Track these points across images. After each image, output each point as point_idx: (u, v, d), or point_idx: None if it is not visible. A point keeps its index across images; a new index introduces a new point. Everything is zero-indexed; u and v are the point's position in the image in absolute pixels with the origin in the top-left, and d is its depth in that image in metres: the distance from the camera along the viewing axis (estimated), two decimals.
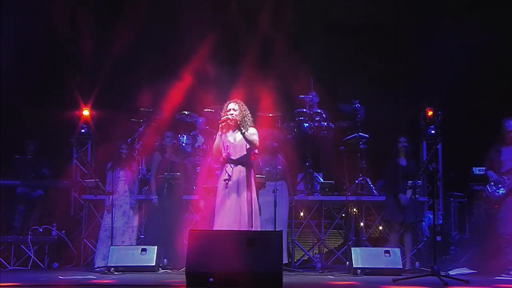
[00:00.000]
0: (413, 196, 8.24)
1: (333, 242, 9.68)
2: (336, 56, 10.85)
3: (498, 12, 9.97)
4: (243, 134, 7.05)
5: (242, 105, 7.20)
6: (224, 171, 7.11)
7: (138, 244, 8.80)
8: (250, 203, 7.04)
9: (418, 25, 10.69)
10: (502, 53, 9.93)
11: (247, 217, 6.97)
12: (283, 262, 7.95)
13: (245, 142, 7.09)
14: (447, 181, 9.70)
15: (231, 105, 7.20)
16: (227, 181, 7.03)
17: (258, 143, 7.18)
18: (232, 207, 6.97)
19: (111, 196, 8.58)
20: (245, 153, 7.13)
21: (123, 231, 8.69)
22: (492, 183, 8.04)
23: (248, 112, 7.23)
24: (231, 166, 7.09)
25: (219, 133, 7.16)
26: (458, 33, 9.88)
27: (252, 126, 7.19)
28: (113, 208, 8.50)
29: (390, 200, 8.52)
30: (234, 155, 7.12)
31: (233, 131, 7.19)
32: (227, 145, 7.12)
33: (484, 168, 8.75)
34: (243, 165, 7.11)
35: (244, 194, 7.01)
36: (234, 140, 7.15)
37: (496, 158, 8.11)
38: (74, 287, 6.84)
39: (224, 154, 7.13)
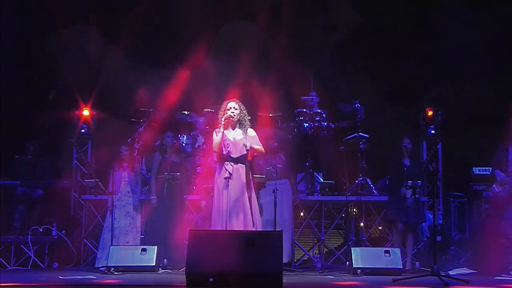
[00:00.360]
0: (413, 196, 8.22)
1: (333, 242, 9.68)
2: (336, 56, 10.85)
3: (498, 12, 9.97)
4: (252, 148, 7.07)
5: (241, 105, 7.30)
6: (223, 169, 7.13)
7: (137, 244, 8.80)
8: (250, 200, 7.08)
9: (418, 25, 10.69)
10: (502, 53, 9.93)
11: (249, 215, 7.00)
12: (285, 262, 8.02)
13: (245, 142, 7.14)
14: (447, 181, 9.69)
15: (232, 104, 7.25)
16: (227, 179, 7.05)
17: (263, 150, 7.21)
18: (234, 205, 6.99)
19: (112, 197, 8.59)
20: (245, 152, 7.16)
21: (126, 232, 8.68)
22: (498, 183, 8.03)
23: (246, 112, 7.31)
24: (231, 164, 7.11)
25: (220, 130, 7.15)
26: (458, 32, 9.89)
27: (250, 127, 7.25)
28: (114, 209, 8.51)
29: (393, 200, 8.49)
30: (234, 153, 7.14)
31: (233, 129, 7.22)
32: (227, 143, 7.15)
33: (484, 168, 8.76)
34: (242, 163, 7.15)
35: (245, 192, 7.06)
36: (234, 138, 7.18)
37: (504, 157, 8.09)
38: (74, 287, 6.83)
39: (224, 152, 7.15)
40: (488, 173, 8.83)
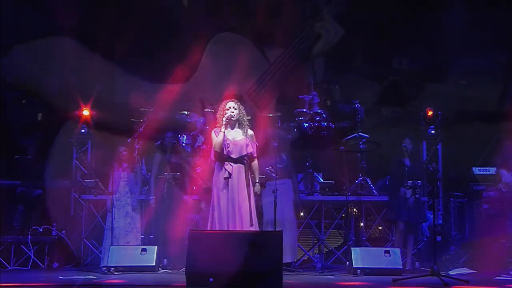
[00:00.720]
0: (413, 196, 8.21)
1: (333, 242, 9.67)
2: (336, 56, 10.85)
3: (497, 11, 9.98)
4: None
5: (240, 105, 7.29)
6: (223, 169, 7.12)
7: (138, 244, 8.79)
8: (249, 200, 7.08)
9: (418, 26, 10.69)
10: (502, 52, 9.94)
11: (247, 215, 7.00)
12: (288, 261, 8.01)
13: (245, 142, 7.14)
14: (447, 181, 9.69)
15: (231, 104, 7.24)
16: (227, 180, 7.05)
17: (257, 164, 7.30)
18: (233, 205, 7.00)
19: (111, 196, 8.60)
20: (245, 153, 7.15)
21: (127, 232, 8.66)
22: (504, 184, 8.03)
23: (245, 112, 7.32)
24: (231, 165, 7.11)
25: (222, 130, 7.14)
26: (457, 32, 9.89)
27: (249, 127, 7.25)
28: (113, 209, 8.50)
29: (394, 200, 8.47)
30: (234, 153, 7.13)
31: (232, 129, 7.21)
32: (228, 143, 7.14)
33: (484, 168, 8.77)
34: (242, 164, 7.15)
35: (244, 192, 7.06)
36: (234, 139, 7.17)
37: (511, 157, 8.08)
38: (74, 287, 6.83)
39: (224, 152, 7.14)
40: (488, 173, 8.85)
